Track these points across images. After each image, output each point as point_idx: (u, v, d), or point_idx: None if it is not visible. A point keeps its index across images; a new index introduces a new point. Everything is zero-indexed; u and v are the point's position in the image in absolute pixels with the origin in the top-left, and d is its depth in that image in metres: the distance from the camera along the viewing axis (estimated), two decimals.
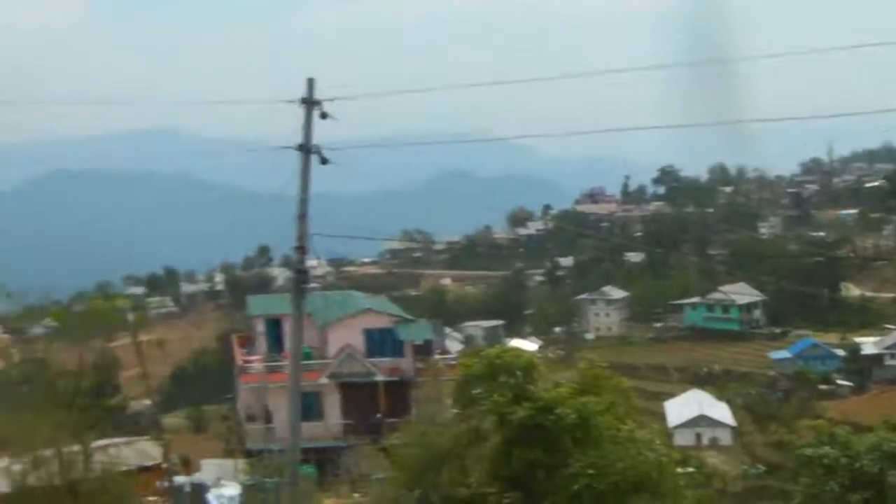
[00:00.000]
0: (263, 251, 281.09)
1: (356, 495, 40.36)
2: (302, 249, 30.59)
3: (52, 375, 48.68)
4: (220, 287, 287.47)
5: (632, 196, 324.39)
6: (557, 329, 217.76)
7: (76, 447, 41.77)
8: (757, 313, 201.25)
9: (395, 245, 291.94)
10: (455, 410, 37.35)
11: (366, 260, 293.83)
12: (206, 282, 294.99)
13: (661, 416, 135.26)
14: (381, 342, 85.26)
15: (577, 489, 31.34)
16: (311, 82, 30.67)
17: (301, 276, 31.27)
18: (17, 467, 40.06)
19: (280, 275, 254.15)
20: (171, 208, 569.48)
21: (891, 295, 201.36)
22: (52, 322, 55.97)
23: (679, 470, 33.62)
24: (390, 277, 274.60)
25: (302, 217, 30.32)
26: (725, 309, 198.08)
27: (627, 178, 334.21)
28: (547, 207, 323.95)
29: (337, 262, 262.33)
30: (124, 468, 52.86)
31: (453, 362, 73.53)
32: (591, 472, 31.43)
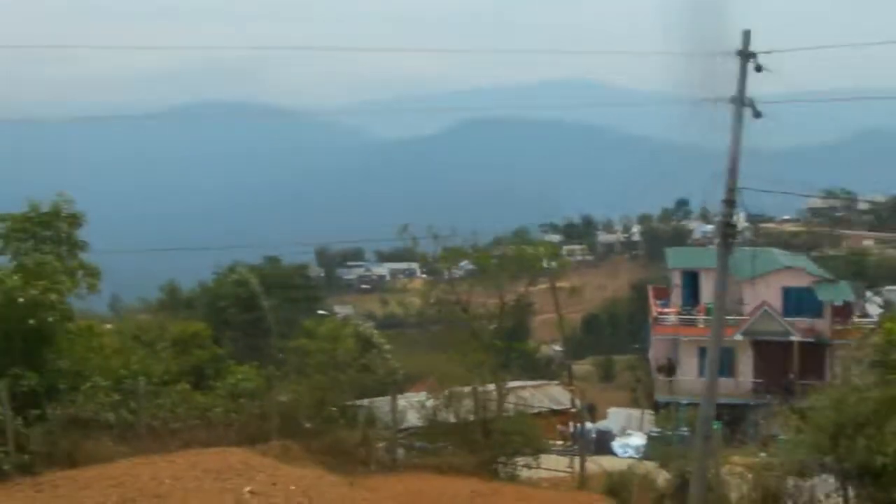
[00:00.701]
0: (681, 204, 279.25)
1: (763, 455, 39.39)
2: (731, 203, 29.97)
3: (470, 316, 49.57)
4: (636, 238, 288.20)
5: None
6: None
7: (490, 387, 42.51)
8: None
9: (817, 203, 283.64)
10: (875, 376, 35.92)
11: (785, 217, 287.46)
12: (623, 232, 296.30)
13: None
14: (798, 301, 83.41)
15: None
16: (746, 34, 29.88)
17: (728, 229, 30.64)
18: (430, 403, 41.10)
19: (697, 228, 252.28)
20: (589, 158, 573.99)
21: None
22: (471, 265, 57.25)
23: None
24: (810, 236, 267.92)
25: (731, 171, 29.67)
26: None
27: None
28: None
29: (756, 219, 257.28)
30: (534, 410, 53.64)
31: (874, 326, 70.93)
32: None
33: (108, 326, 50.50)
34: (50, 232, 39.89)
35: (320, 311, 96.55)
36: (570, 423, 63.43)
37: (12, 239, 39.44)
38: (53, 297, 35.66)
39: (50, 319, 35.57)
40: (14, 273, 36.42)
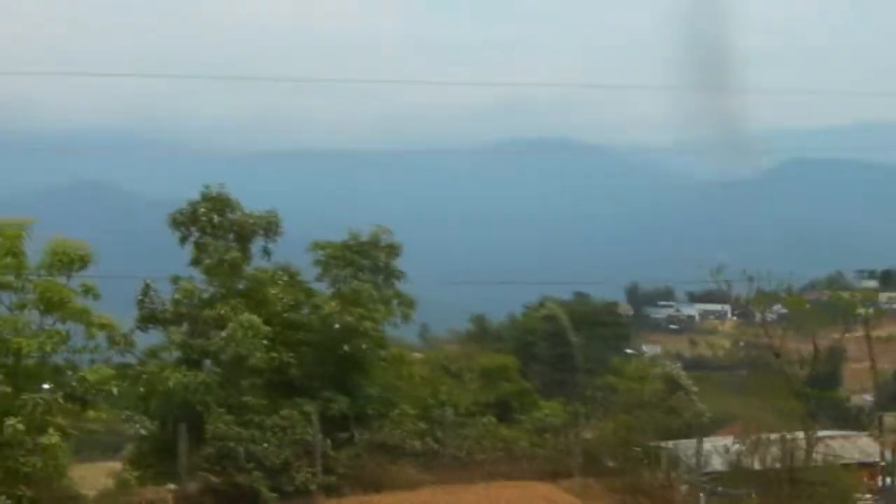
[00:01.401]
0: None
1: None
2: None
3: (781, 362, 48.64)
4: None
5: None
6: None
7: (798, 435, 41.57)
8: None
9: None
10: None
11: None
12: None
13: None
14: None
15: None
16: None
17: None
18: (735, 448, 40.49)
19: None
20: None
21: None
22: (783, 308, 56.23)
23: None
24: None
25: None
26: None
27: None
28: None
29: None
30: (843, 462, 52.14)
31: None
32: None
33: (418, 355, 51.55)
34: (368, 261, 40.90)
35: (628, 350, 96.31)
36: (879, 477, 61.43)
37: (331, 266, 40.58)
38: (368, 324, 36.61)
39: (364, 346, 36.56)
40: (331, 299, 37.56)
